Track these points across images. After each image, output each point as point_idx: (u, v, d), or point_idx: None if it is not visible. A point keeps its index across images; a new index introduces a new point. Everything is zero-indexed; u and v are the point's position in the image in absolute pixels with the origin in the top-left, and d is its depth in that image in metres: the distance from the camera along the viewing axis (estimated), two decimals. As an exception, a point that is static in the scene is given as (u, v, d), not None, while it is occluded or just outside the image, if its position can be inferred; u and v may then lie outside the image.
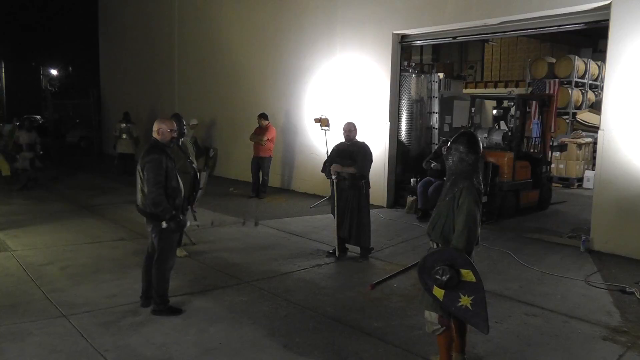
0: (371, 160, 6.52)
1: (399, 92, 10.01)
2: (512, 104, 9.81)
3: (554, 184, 11.10)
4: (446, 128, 11.21)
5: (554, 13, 7.61)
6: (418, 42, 10.01)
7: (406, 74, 10.20)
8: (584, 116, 15.01)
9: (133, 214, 4.84)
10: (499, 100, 10.63)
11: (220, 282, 5.63)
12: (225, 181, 12.96)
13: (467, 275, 3.33)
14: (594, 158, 10.11)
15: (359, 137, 6.62)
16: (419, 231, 8.07)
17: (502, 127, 10.12)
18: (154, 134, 4.66)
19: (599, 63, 15.72)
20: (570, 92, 15.09)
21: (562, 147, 12.22)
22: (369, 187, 6.56)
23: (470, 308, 3.36)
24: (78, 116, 20.71)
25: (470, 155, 3.58)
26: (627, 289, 5.49)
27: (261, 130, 10.56)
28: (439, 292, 3.43)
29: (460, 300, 3.37)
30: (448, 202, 3.58)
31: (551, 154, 10.54)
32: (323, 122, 9.54)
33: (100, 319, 4.58)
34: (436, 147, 10.21)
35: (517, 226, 8.42)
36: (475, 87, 18.47)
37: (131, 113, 15.13)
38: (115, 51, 19.19)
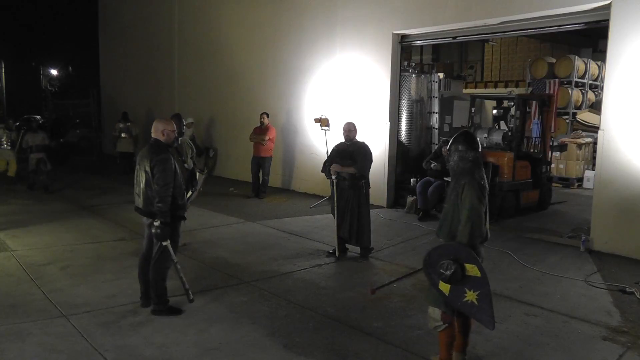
0: (371, 160, 6.52)
1: (399, 92, 10.00)
2: (512, 104, 9.80)
3: (554, 184, 11.10)
4: (446, 128, 11.21)
5: (554, 13, 7.61)
6: (418, 42, 10.01)
7: (406, 74, 10.20)
8: (584, 116, 15.00)
9: (133, 214, 4.84)
10: (499, 100, 10.63)
11: (220, 282, 5.63)
12: (225, 181, 12.96)
13: (472, 269, 3.35)
14: (594, 158, 10.12)
15: (359, 137, 6.62)
16: (419, 231, 8.07)
17: (502, 127, 10.12)
18: (158, 135, 4.64)
19: (599, 63, 15.72)
20: (570, 92, 15.09)
21: (562, 147, 12.21)
22: (369, 187, 6.57)
23: (476, 303, 3.38)
24: (78, 116, 20.68)
25: (469, 152, 3.66)
26: (627, 289, 5.49)
27: (262, 130, 10.56)
28: (445, 287, 3.45)
29: (465, 295, 3.39)
30: (453, 200, 3.64)
31: (551, 154, 10.54)
32: (323, 122, 9.54)
33: (100, 319, 4.58)
34: (436, 147, 10.23)
35: (517, 226, 8.42)
36: (475, 87, 18.47)
37: (131, 113, 15.18)
38: (115, 51, 19.19)
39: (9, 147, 11.78)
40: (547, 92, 14.44)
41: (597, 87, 15.95)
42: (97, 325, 4.46)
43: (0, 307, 4.79)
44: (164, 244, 4.59)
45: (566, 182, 12.90)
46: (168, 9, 15.52)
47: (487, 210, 3.68)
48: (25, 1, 30.79)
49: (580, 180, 12.87)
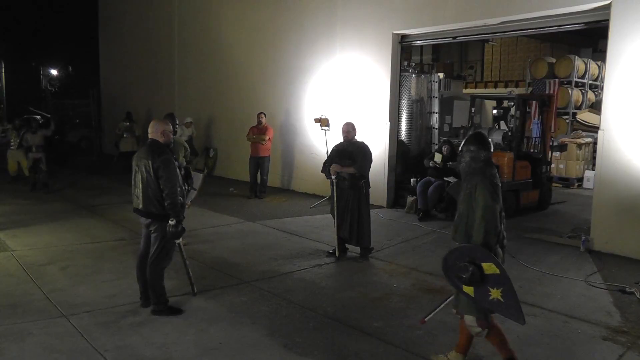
0: (371, 160, 6.51)
1: (399, 92, 10.00)
2: (512, 104, 9.81)
3: (554, 184, 11.10)
4: (446, 128, 11.22)
5: (554, 13, 7.61)
6: (418, 42, 10.01)
7: (406, 74, 10.20)
8: (584, 116, 15.01)
9: (133, 214, 4.83)
10: (499, 100, 10.63)
11: (220, 282, 5.63)
12: (225, 181, 12.96)
13: (490, 268, 3.33)
14: (594, 158, 10.11)
15: (359, 137, 6.62)
16: (419, 231, 8.07)
17: (502, 127, 10.13)
18: (157, 135, 4.65)
19: (599, 63, 15.72)
20: (570, 92, 15.09)
21: (562, 147, 12.21)
22: (369, 187, 6.56)
23: (502, 300, 3.36)
24: (78, 116, 20.69)
25: (481, 152, 3.65)
26: (627, 289, 5.49)
27: (260, 130, 10.55)
28: (469, 289, 3.44)
29: (490, 293, 3.37)
30: (466, 201, 3.61)
31: (551, 154, 10.54)
32: (323, 122, 9.55)
33: (100, 319, 4.58)
34: (436, 147, 10.24)
35: (517, 226, 8.41)
36: (475, 87, 18.47)
37: (131, 113, 15.19)
38: (115, 51, 19.19)
39: (12, 148, 11.79)
40: (547, 92, 14.44)
41: (597, 87, 15.95)
42: (97, 325, 4.46)
43: (0, 307, 4.79)
44: (177, 242, 4.67)
45: (566, 182, 12.90)
46: (168, 9, 15.52)
47: (502, 210, 3.62)
48: (25, 1, 30.80)
49: (580, 180, 12.88)
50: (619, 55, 6.80)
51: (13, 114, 17.02)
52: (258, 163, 10.59)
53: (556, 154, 11.94)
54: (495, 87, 18.15)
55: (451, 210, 8.76)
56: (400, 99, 10.11)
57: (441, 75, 11.65)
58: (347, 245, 6.68)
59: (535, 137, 10.60)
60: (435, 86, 10.65)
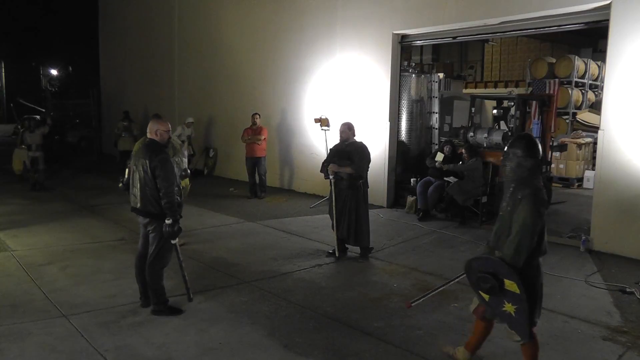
0: (369, 161, 6.51)
1: (399, 92, 10.00)
2: (512, 104, 9.80)
3: (554, 184, 11.09)
4: (446, 128, 11.20)
5: (554, 13, 7.61)
6: (418, 42, 10.01)
7: (406, 74, 10.20)
8: (584, 116, 15.00)
9: (133, 214, 4.84)
10: (499, 100, 10.61)
11: (220, 282, 5.63)
12: (225, 181, 12.97)
13: (511, 286, 3.27)
14: (594, 158, 10.10)
15: (359, 137, 6.62)
16: (419, 231, 8.07)
17: (502, 127, 10.12)
18: (153, 135, 4.66)
19: (599, 63, 15.70)
20: (570, 92, 15.08)
21: (562, 147, 12.19)
22: (367, 187, 6.56)
23: (514, 315, 3.33)
24: (78, 116, 20.67)
25: (528, 159, 3.41)
26: (627, 289, 5.49)
27: (255, 131, 10.56)
28: (485, 295, 3.42)
29: (504, 306, 3.35)
30: (510, 212, 3.44)
31: (551, 154, 10.53)
32: (323, 122, 9.50)
33: (100, 319, 4.58)
34: (436, 147, 10.24)
35: (517, 226, 8.41)
36: (475, 87, 18.45)
37: (131, 112, 15.19)
38: (115, 51, 19.18)
39: (24, 147, 11.80)
40: (547, 92, 14.42)
41: (597, 87, 15.94)
42: (97, 325, 4.47)
43: (0, 307, 4.79)
44: (173, 242, 4.63)
45: (566, 182, 12.89)
46: (168, 9, 15.52)
47: (545, 225, 3.45)
48: (25, 1, 30.80)
49: (580, 180, 12.87)
50: (619, 55, 6.80)
51: (11, 114, 17.02)
52: (255, 163, 10.60)
53: (556, 154, 11.93)
54: (495, 87, 18.13)
55: (451, 210, 8.78)
56: (400, 99, 10.10)
57: (441, 75, 11.64)
58: (347, 245, 6.68)
59: (535, 137, 10.57)
60: (435, 86, 10.65)
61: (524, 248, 3.30)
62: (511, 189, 3.50)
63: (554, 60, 15.78)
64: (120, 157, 14.37)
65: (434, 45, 18.81)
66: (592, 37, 17.89)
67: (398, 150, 10.03)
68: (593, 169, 10.42)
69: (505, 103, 10.35)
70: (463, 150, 8.79)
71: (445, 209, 8.81)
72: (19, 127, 12.33)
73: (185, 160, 6.94)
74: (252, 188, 10.73)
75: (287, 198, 10.83)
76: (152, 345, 4.14)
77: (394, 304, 5.11)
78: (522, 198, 3.36)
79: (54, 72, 26.98)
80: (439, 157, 8.92)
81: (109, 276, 5.74)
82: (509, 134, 9.34)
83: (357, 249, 6.64)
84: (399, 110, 10.09)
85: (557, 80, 14.96)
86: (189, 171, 6.94)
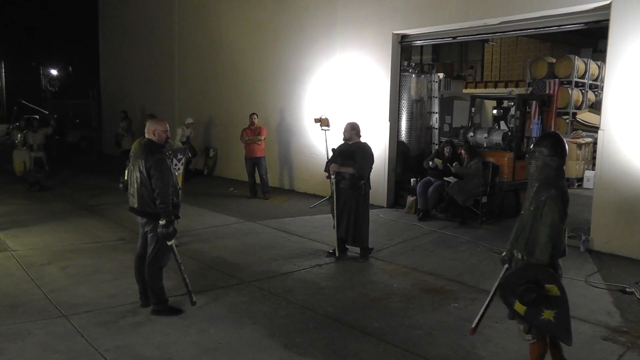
0: (372, 161, 6.49)
1: (399, 92, 10.00)
2: (512, 104, 9.80)
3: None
4: (446, 128, 11.20)
5: (554, 13, 7.61)
6: (418, 42, 10.01)
7: (406, 74, 10.20)
8: (584, 116, 14.99)
9: (133, 214, 4.83)
10: (499, 100, 10.61)
11: (220, 282, 5.63)
12: (225, 181, 12.97)
13: (552, 289, 3.22)
14: (594, 158, 10.11)
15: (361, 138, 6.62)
16: (419, 231, 8.07)
17: (502, 127, 10.12)
18: (150, 135, 4.65)
19: (599, 63, 15.70)
20: (570, 92, 15.08)
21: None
22: (369, 187, 6.54)
23: (553, 320, 3.26)
24: (78, 116, 20.68)
25: (555, 159, 3.36)
26: (627, 289, 5.49)
27: (253, 131, 10.56)
28: (520, 308, 3.31)
29: (542, 314, 3.27)
30: (533, 212, 3.38)
31: (551, 154, 10.51)
32: (323, 122, 9.50)
33: (100, 319, 4.58)
34: (437, 147, 10.23)
35: (517, 226, 8.41)
36: (475, 87, 18.44)
37: (131, 113, 15.21)
38: (115, 51, 19.19)
39: (24, 148, 11.80)
40: (547, 92, 14.42)
41: (597, 87, 15.94)
42: (97, 325, 4.47)
43: (0, 307, 4.79)
44: (169, 243, 4.61)
45: (566, 182, 12.88)
46: (168, 9, 15.52)
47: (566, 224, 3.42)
48: (25, 1, 30.80)
49: (580, 180, 12.86)
50: (619, 55, 6.80)
51: (11, 114, 17.03)
52: (255, 164, 10.60)
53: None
54: (495, 87, 18.12)
55: (451, 210, 8.78)
56: (400, 99, 10.10)
57: (441, 75, 11.63)
58: (347, 245, 6.67)
59: (535, 137, 10.57)
60: (435, 86, 10.64)
61: (557, 250, 3.29)
62: (535, 188, 3.44)
63: (554, 60, 15.78)
64: (125, 156, 14.39)
65: (434, 45, 18.79)
66: (592, 37, 17.87)
67: (398, 150, 10.03)
68: (593, 169, 10.42)
69: (505, 103, 10.35)
70: (463, 151, 8.79)
71: (445, 209, 8.81)
72: (11, 127, 12.29)
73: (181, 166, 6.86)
74: (252, 188, 10.73)
75: (287, 198, 10.83)
76: (152, 345, 4.14)
77: (394, 304, 5.11)
78: (548, 199, 3.30)
79: (54, 72, 27.00)
80: (437, 162, 8.89)
81: (109, 276, 5.74)
82: (509, 134, 9.35)
83: (357, 249, 6.64)
84: (399, 110, 10.09)
85: (557, 80, 14.96)
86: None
